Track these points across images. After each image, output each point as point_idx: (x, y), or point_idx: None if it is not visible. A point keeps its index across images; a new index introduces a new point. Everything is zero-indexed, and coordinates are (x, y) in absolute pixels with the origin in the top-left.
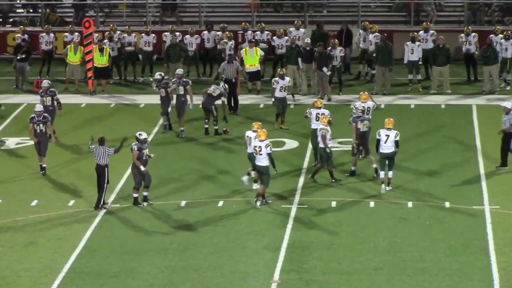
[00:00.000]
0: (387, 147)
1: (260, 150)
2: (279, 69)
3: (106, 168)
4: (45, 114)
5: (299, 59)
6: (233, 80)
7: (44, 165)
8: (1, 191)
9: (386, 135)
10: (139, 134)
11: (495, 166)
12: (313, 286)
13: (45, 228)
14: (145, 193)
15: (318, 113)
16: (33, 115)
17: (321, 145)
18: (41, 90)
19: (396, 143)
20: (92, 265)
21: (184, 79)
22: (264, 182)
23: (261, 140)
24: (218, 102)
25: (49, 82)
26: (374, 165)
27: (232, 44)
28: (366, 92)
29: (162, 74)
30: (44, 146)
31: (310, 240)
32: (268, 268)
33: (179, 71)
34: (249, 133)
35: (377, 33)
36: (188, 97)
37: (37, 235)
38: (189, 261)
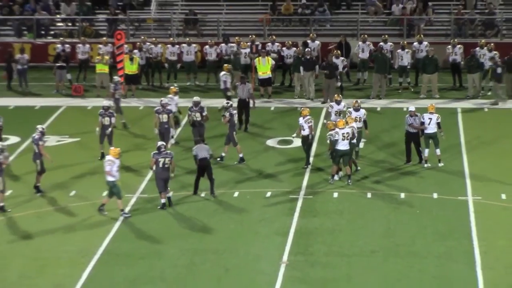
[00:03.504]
0: (430, 128)
1: (348, 136)
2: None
3: (209, 161)
4: (111, 111)
5: (301, 67)
6: (246, 100)
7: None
8: (44, 183)
9: (429, 118)
10: (159, 143)
11: (403, 163)
12: (317, 267)
13: (82, 215)
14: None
15: (306, 120)
16: (101, 110)
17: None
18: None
19: (438, 125)
20: (124, 247)
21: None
22: (347, 163)
23: (341, 128)
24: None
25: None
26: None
27: (247, 53)
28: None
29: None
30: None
31: (314, 227)
32: (278, 251)
33: (196, 98)
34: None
35: (391, 43)
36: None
37: (76, 221)
38: (209, 245)
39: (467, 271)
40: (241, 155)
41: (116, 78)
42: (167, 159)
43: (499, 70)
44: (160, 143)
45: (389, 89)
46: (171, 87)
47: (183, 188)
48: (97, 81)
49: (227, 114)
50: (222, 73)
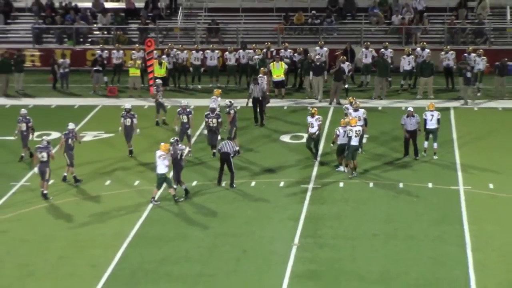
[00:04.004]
0: (432, 124)
1: (359, 133)
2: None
3: (231, 156)
4: (132, 113)
5: (311, 72)
6: (260, 98)
7: (130, 149)
8: (81, 174)
9: (431, 115)
10: (173, 138)
11: (402, 156)
12: (325, 248)
13: (116, 201)
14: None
15: (317, 119)
16: (123, 112)
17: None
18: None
19: (438, 121)
20: (153, 231)
21: (188, 110)
22: (355, 157)
23: (353, 126)
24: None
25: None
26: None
27: (260, 57)
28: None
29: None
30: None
31: (322, 213)
32: (290, 234)
33: (212, 105)
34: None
35: (391, 50)
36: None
37: (110, 207)
38: (228, 229)
39: (459, 253)
40: (237, 148)
41: (158, 81)
42: (181, 152)
43: (468, 74)
44: (174, 138)
45: (389, 90)
46: (215, 90)
47: (208, 179)
48: (129, 83)
49: (231, 112)
50: (259, 75)
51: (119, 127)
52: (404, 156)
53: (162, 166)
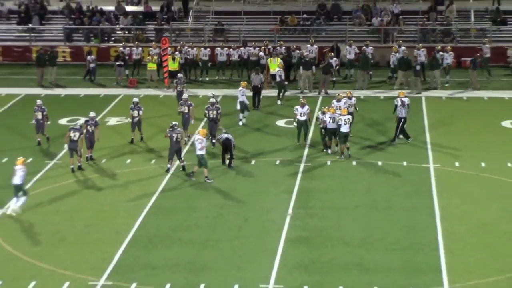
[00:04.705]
0: (403, 112)
1: (348, 121)
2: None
3: (232, 143)
4: (139, 106)
5: (301, 67)
6: (259, 86)
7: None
8: (104, 154)
9: (402, 101)
10: (171, 123)
11: (390, 141)
12: (314, 218)
13: (135, 177)
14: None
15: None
16: (131, 105)
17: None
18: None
19: (408, 106)
20: (167, 203)
21: (189, 102)
22: (344, 142)
23: (343, 115)
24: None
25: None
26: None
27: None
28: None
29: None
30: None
31: (312, 187)
32: (285, 205)
33: (212, 100)
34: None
35: (371, 47)
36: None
37: (130, 181)
38: (232, 200)
39: (429, 221)
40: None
41: (180, 75)
42: (178, 135)
43: (418, 67)
44: (173, 122)
45: (370, 82)
46: (242, 82)
47: (213, 158)
48: (147, 76)
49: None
50: (277, 69)
51: (128, 117)
52: (408, 140)
53: (197, 149)
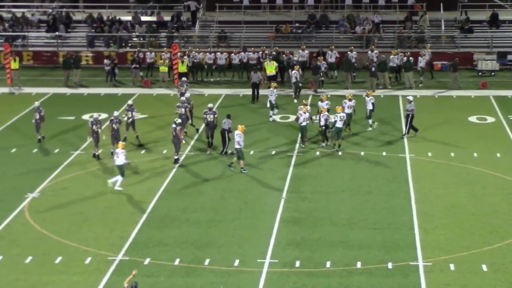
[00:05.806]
0: (369, 106)
1: (343, 118)
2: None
3: (226, 132)
4: (133, 107)
5: (289, 69)
6: (257, 83)
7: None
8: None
9: (369, 99)
10: (176, 120)
11: (402, 135)
12: (305, 201)
13: (149, 165)
14: (175, 157)
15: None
16: (126, 107)
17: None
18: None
19: (372, 104)
20: (177, 187)
21: (185, 104)
22: (340, 137)
23: (338, 113)
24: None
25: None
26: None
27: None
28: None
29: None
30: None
31: (303, 174)
32: (279, 190)
33: (210, 105)
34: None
35: (355, 52)
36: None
37: (145, 169)
38: (234, 186)
39: (406, 204)
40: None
41: (183, 78)
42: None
43: (373, 68)
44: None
45: (353, 82)
46: (272, 83)
47: (214, 150)
48: (160, 77)
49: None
50: (294, 71)
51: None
52: (416, 132)
53: (236, 142)
